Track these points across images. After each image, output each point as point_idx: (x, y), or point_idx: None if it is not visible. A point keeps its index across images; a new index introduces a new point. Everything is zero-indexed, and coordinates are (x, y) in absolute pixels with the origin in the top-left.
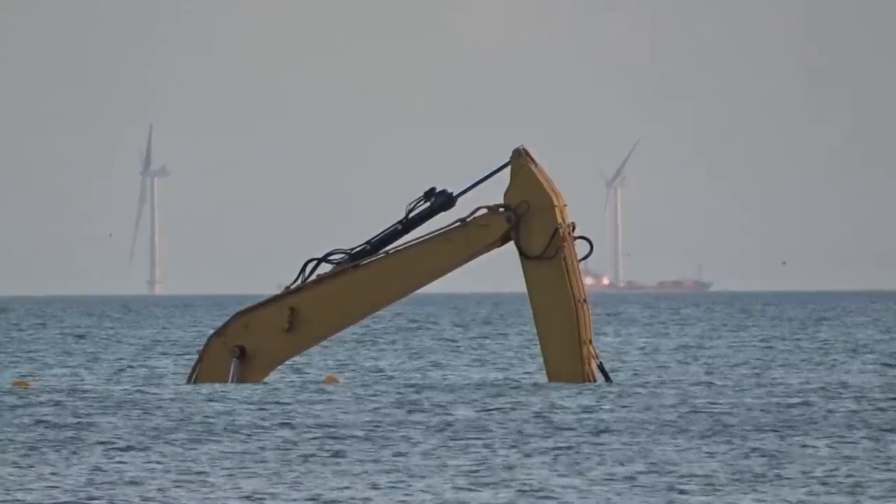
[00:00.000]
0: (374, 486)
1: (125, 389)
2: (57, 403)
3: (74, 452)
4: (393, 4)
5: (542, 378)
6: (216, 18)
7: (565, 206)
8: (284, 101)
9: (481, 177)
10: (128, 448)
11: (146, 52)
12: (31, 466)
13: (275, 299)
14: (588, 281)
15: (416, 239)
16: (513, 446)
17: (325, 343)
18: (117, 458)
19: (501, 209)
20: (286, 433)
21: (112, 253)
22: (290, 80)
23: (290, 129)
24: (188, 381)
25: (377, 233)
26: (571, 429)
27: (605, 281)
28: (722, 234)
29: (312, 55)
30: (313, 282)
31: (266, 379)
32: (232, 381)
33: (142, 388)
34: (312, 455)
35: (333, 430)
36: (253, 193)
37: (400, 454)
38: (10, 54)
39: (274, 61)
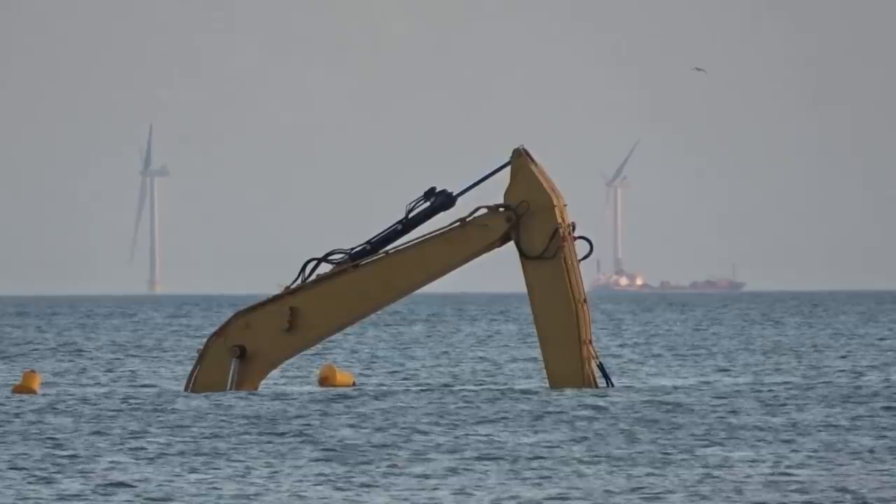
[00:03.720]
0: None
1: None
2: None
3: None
4: (393, 4)
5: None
6: (217, 18)
7: (565, 206)
8: (284, 101)
9: (481, 177)
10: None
11: (147, 51)
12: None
13: (275, 299)
14: (622, 282)
15: (416, 239)
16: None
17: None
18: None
19: (501, 209)
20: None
21: (112, 253)
22: (291, 80)
23: (290, 129)
24: (187, 386)
25: (377, 233)
26: None
27: (639, 281)
28: (723, 234)
29: (313, 55)
30: (313, 282)
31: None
32: (232, 381)
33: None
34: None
35: None
36: (253, 193)
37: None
38: (10, 54)
39: (274, 61)
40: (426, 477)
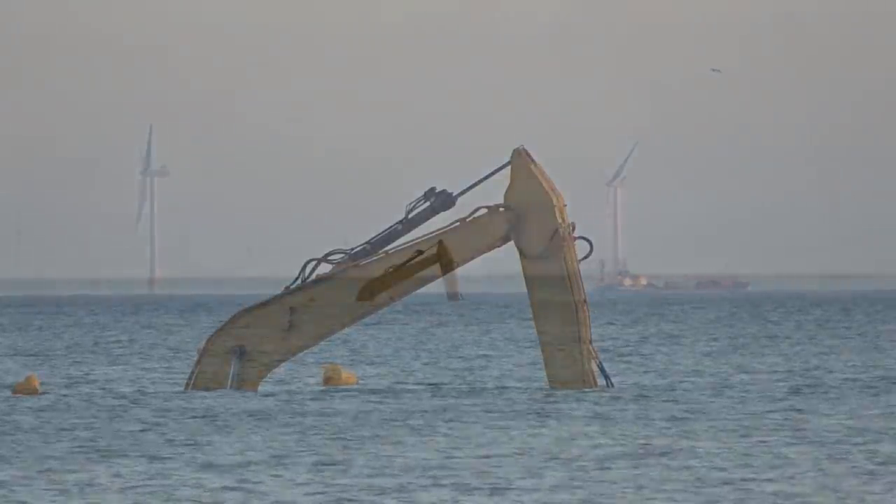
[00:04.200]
0: None
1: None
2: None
3: None
4: (394, 4)
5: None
6: (216, 18)
7: (565, 206)
8: (285, 101)
9: (481, 177)
10: None
11: (147, 51)
12: None
13: (275, 299)
14: (626, 282)
15: (416, 239)
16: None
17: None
18: None
19: (501, 209)
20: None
21: (111, 253)
22: (291, 80)
23: (290, 129)
24: (187, 385)
25: (377, 233)
26: None
27: (643, 282)
28: (724, 234)
29: (313, 54)
30: (313, 282)
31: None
32: (233, 381)
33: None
34: None
35: None
36: (252, 193)
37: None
38: (11, 54)
39: (273, 60)
40: (427, 476)
